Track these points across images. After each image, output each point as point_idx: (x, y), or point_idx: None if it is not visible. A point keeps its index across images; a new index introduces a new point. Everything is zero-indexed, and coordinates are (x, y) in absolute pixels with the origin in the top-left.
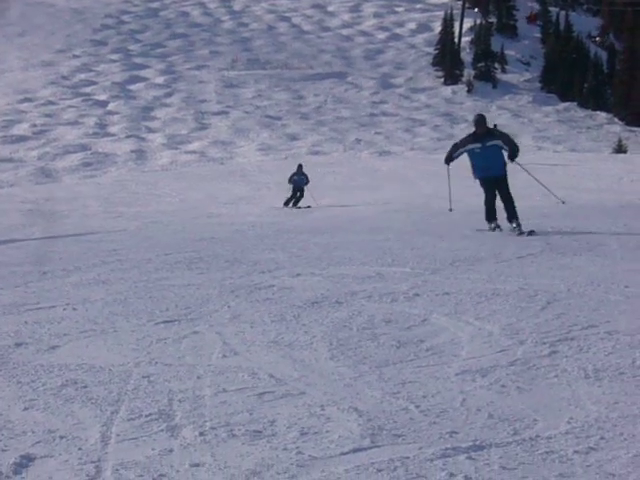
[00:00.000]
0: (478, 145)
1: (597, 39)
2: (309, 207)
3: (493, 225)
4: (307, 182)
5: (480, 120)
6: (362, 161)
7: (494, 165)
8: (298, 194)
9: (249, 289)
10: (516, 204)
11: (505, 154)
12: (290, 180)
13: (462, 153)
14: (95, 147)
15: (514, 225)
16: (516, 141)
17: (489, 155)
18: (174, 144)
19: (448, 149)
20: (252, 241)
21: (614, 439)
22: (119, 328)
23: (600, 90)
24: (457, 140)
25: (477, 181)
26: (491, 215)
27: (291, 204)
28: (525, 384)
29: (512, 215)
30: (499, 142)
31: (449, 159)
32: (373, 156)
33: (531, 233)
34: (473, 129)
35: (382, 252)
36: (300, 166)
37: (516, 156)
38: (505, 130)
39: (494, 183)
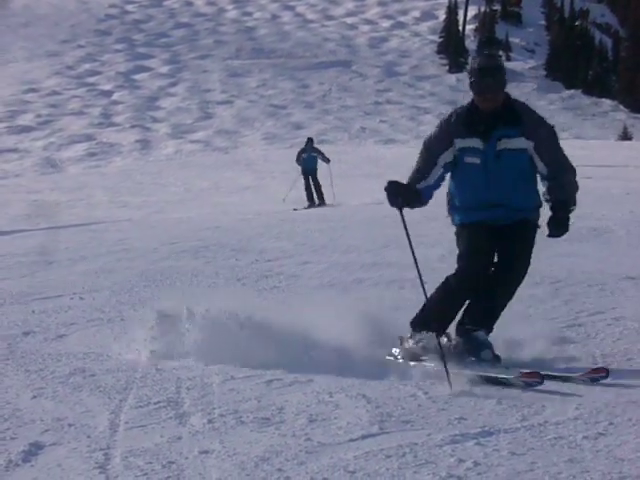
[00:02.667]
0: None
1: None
2: (320, 204)
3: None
4: (326, 160)
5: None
6: (367, 149)
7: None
8: (311, 180)
9: (256, 277)
10: None
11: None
12: (298, 159)
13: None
14: (100, 137)
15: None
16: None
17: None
18: (179, 133)
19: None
20: (257, 230)
21: (623, 424)
22: (126, 317)
23: (605, 77)
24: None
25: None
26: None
27: (316, 198)
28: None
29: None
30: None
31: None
32: (378, 144)
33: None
34: None
35: (388, 240)
36: (310, 140)
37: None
38: None
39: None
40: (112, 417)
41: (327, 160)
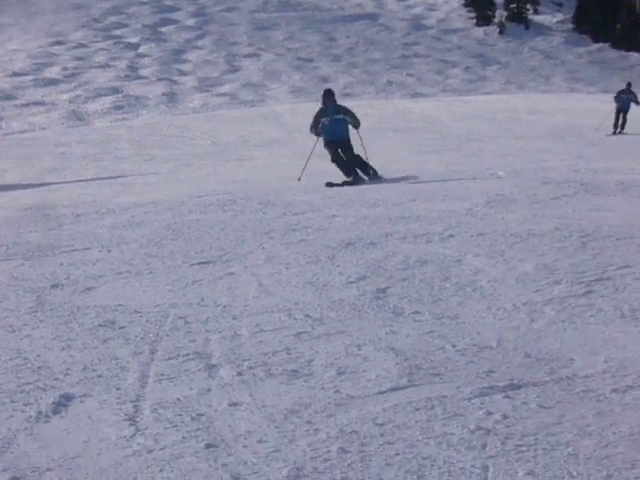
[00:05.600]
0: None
1: None
2: (350, 182)
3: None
4: (356, 124)
5: (328, 94)
6: (394, 103)
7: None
8: (342, 153)
9: (283, 231)
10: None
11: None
12: (315, 127)
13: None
14: (126, 90)
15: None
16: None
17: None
18: (205, 87)
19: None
20: (285, 183)
21: None
22: (154, 269)
23: (633, 31)
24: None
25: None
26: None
27: (347, 175)
28: (561, 324)
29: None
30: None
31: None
32: (405, 98)
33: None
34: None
35: (415, 193)
36: (328, 94)
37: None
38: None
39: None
40: (141, 369)
41: (357, 123)
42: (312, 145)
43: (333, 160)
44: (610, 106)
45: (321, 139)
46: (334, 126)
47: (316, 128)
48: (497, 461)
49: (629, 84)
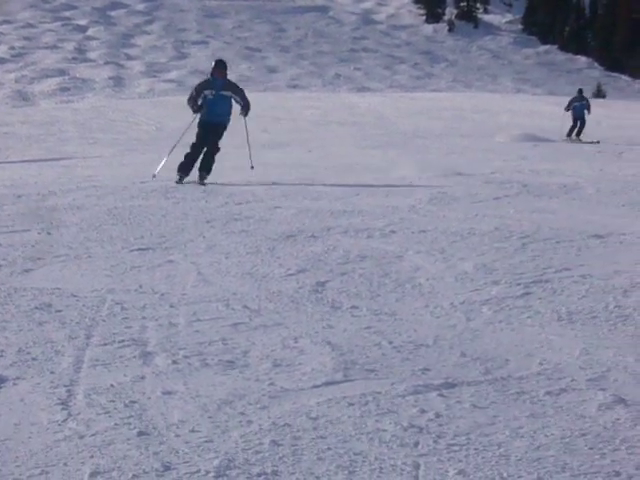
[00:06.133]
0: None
1: None
2: None
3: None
4: (243, 104)
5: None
6: (340, 97)
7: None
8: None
9: (225, 220)
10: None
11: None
12: (193, 100)
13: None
14: (73, 72)
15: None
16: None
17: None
18: (153, 72)
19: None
20: (229, 172)
21: (585, 382)
22: (93, 254)
23: (581, 34)
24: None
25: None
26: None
27: (180, 170)
28: (498, 324)
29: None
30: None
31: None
32: (352, 92)
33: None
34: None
35: (359, 188)
36: (221, 64)
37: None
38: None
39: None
40: (76, 354)
41: (247, 107)
42: (183, 129)
43: (192, 147)
44: (558, 109)
45: (197, 116)
46: (217, 104)
47: (195, 101)
48: (429, 459)
49: (580, 90)
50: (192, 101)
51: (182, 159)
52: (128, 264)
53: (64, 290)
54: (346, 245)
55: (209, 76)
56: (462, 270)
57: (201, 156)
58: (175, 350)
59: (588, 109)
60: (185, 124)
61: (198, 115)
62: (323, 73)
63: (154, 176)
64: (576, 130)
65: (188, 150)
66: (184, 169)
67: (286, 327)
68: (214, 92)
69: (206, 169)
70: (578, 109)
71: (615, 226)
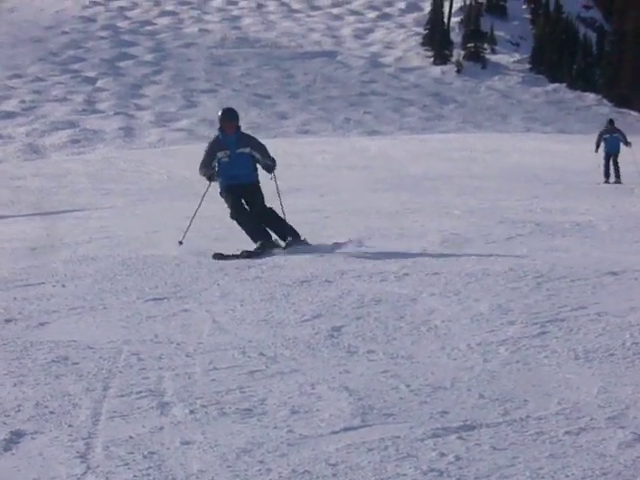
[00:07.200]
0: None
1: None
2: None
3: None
4: (267, 165)
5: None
6: (351, 141)
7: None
8: (245, 202)
9: (238, 267)
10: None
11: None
12: (205, 166)
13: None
14: (83, 124)
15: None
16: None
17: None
18: (162, 122)
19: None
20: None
21: (605, 420)
22: (108, 305)
23: (589, 71)
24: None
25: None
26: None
27: (253, 239)
28: (515, 364)
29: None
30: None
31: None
32: (362, 136)
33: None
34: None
35: (371, 231)
36: (230, 114)
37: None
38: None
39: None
40: (94, 406)
41: (272, 164)
42: (202, 194)
43: (233, 216)
44: (568, 147)
45: (216, 184)
46: (236, 164)
47: (208, 167)
48: None
49: (611, 121)
50: (205, 168)
51: (246, 233)
52: (143, 314)
53: (80, 342)
54: (360, 289)
55: (217, 131)
56: (477, 311)
57: (265, 226)
58: (192, 400)
59: (625, 141)
60: (195, 172)
61: (217, 182)
62: (333, 118)
63: (181, 243)
64: (613, 170)
65: (239, 223)
66: (259, 236)
67: (303, 373)
68: (229, 152)
69: (290, 234)
70: (612, 142)
71: (629, 263)
